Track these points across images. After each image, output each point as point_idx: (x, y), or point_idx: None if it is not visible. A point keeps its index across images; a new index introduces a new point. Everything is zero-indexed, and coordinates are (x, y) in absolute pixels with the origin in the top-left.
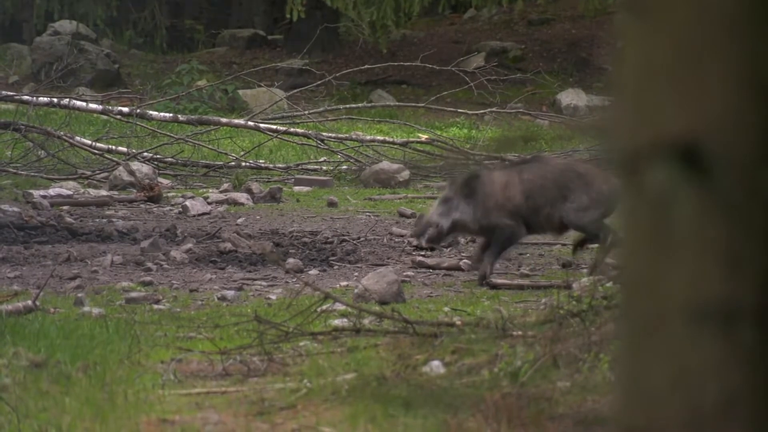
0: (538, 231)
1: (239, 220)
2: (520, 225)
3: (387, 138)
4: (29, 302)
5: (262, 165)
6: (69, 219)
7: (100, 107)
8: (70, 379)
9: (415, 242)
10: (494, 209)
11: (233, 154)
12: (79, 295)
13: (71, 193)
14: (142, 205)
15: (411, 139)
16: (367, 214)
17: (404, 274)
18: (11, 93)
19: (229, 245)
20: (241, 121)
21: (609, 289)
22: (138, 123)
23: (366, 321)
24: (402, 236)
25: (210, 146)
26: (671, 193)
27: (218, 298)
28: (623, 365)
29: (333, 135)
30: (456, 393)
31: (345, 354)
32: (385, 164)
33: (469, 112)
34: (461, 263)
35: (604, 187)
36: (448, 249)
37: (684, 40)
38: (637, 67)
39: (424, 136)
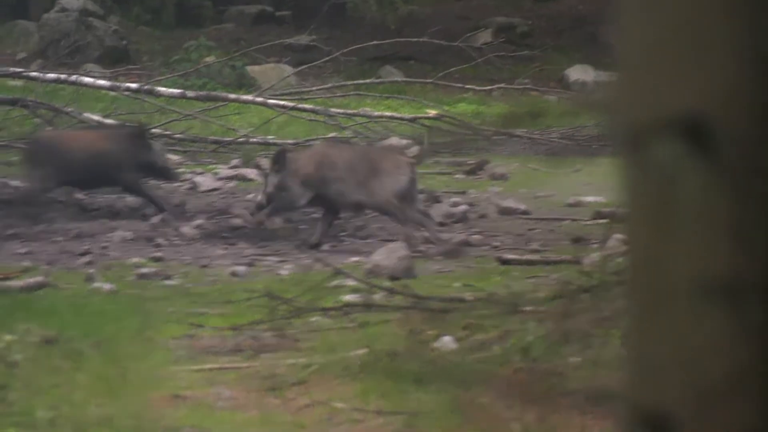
0: (330, 205)
1: (249, 196)
2: (304, 192)
3: (395, 114)
4: (40, 278)
5: (271, 141)
6: (79, 195)
7: (108, 84)
8: (81, 355)
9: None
10: (289, 175)
11: (242, 130)
12: (90, 271)
13: None
14: (151, 182)
15: (419, 115)
16: None
17: (415, 249)
18: (19, 70)
19: (239, 221)
20: (250, 97)
21: (619, 264)
22: (146, 99)
23: (377, 296)
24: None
25: (219, 122)
26: (676, 170)
27: (229, 274)
28: (630, 342)
29: (341, 111)
30: (467, 368)
31: (356, 329)
32: (393, 140)
33: (476, 87)
34: (473, 238)
35: (393, 172)
36: (457, 224)
37: (687, 14)
38: (640, 43)
39: (432, 112)
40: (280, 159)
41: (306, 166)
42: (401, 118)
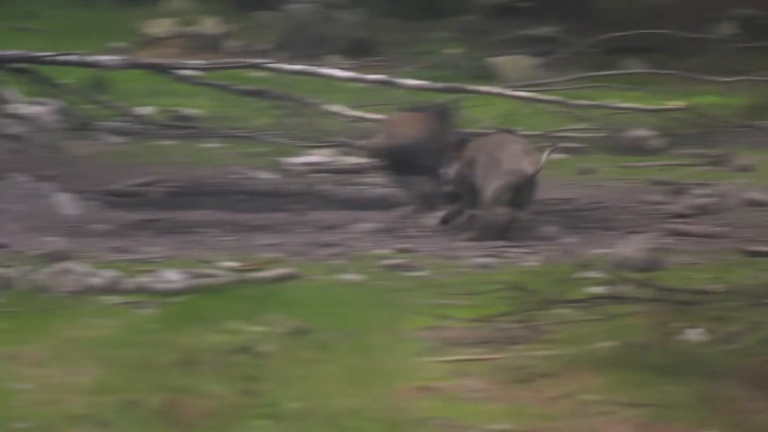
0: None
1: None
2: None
3: (638, 105)
4: (288, 269)
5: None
6: (325, 186)
7: (351, 74)
8: (330, 346)
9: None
10: (461, 164)
11: (485, 122)
12: (337, 262)
13: (325, 160)
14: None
15: (663, 107)
16: (621, 181)
17: (661, 241)
18: (262, 60)
19: (481, 213)
20: (493, 89)
21: None
22: (389, 91)
23: (624, 288)
24: (657, 203)
25: (461, 114)
26: None
27: (475, 265)
28: None
29: (584, 102)
30: (716, 361)
31: (604, 322)
32: (637, 131)
33: (720, 79)
34: (718, 230)
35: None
36: (707, 215)
37: None
38: None
39: (676, 104)
40: (459, 149)
41: (468, 154)
42: (644, 110)
